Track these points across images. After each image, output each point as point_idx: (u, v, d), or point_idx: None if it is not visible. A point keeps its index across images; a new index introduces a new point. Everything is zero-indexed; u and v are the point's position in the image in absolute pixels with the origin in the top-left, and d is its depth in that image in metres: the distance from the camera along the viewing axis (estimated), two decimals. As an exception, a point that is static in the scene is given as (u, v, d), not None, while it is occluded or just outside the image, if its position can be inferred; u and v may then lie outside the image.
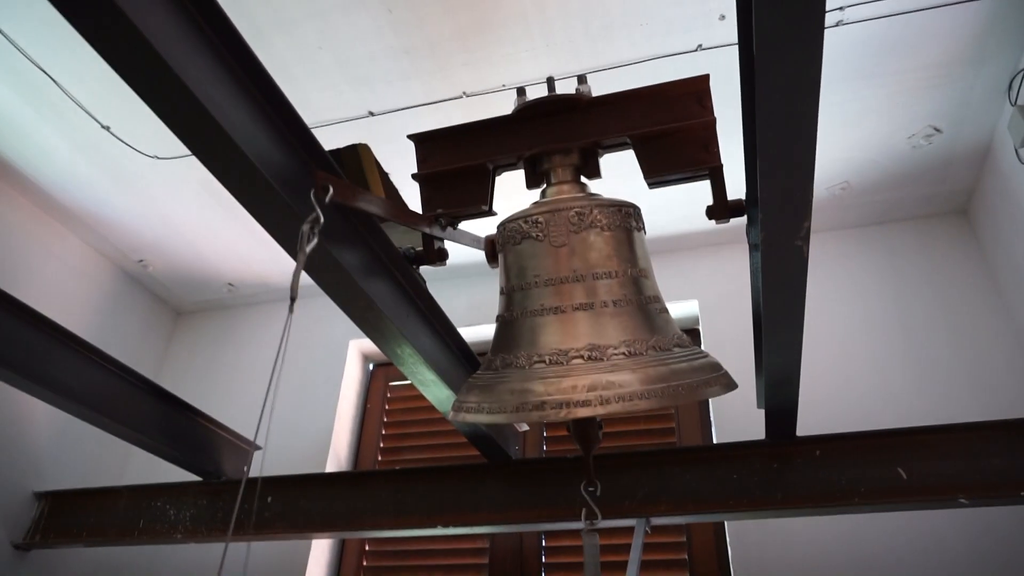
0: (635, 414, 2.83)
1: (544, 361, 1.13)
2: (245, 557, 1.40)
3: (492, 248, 1.37)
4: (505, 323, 1.26)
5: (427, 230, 1.39)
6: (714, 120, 1.30)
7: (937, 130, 2.52)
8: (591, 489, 1.30)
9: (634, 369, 1.08)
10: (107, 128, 2.60)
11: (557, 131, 1.36)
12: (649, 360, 1.10)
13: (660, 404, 1.06)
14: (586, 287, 1.18)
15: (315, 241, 0.93)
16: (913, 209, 2.92)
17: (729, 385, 1.15)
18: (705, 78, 1.33)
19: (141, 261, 3.47)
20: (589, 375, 1.07)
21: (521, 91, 1.41)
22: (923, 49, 2.22)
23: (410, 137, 1.48)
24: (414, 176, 1.47)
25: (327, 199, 1.01)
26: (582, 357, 1.11)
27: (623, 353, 1.11)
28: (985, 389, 2.55)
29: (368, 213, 1.26)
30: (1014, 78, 2.32)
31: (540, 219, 1.25)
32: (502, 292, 1.30)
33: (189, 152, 2.68)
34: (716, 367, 1.17)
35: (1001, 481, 1.77)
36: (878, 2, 2.09)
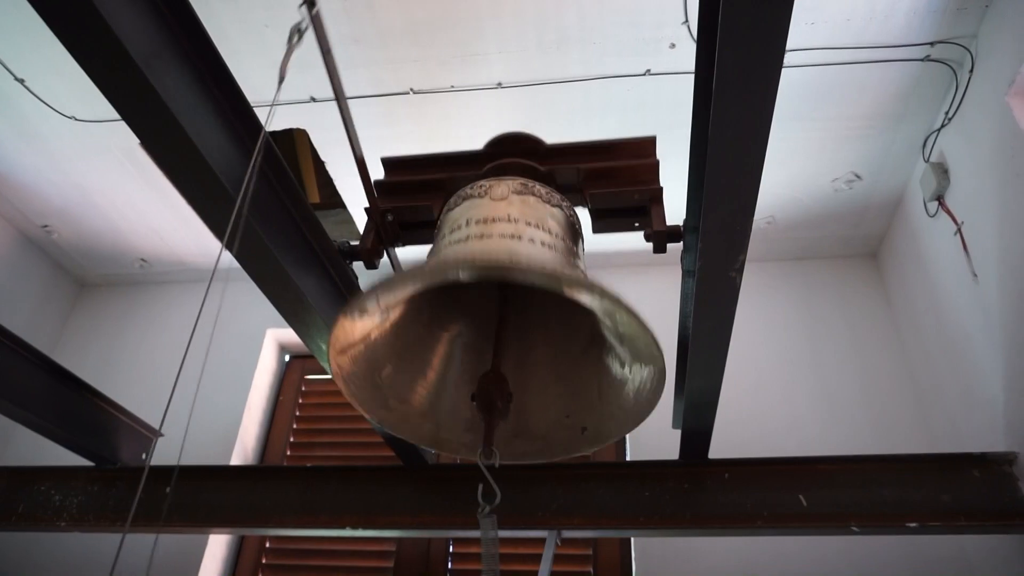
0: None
1: (459, 260, 1.06)
2: (151, 551, 1.31)
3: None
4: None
5: (373, 217, 1.38)
6: (657, 163, 1.41)
7: (858, 176, 2.67)
8: (489, 462, 1.09)
9: (554, 267, 1.07)
10: (22, 81, 2.42)
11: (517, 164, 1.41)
12: (572, 272, 1.08)
13: (579, 289, 1.00)
14: (516, 227, 1.13)
15: (301, 42, 0.93)
16: (830, 248, 3.09)
17: (657, 355, 1.06)
18: (652, 140, 1.43)
19: (46, 227, 3.24)
20: (509, 257, 1.05)
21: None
22: (853, 100, 2.36)
23: (381, 160, 1.52)
24: (376, 184, 1.45)
25: (313, 11, 1.00)
26: (501, 262, 1.04)
27: (544, 265, 1.06)
28: (882, 424, 2.71)
29: (317, 171, 1.22)
30: (928, 136, 2.49)
31: (484, 183, 1.26)
32: (429, 253, 1.27)
33: (111, 117, 2.53)
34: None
35: (890, 511, 1.88)
36: (814, 50, 2.20)
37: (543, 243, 1.13)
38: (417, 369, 1.33)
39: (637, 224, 1.39)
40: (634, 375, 1.17)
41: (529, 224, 1.15)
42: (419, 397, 1.33)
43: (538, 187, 1.26)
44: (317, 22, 1.10)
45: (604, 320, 1.16)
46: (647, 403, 1.17)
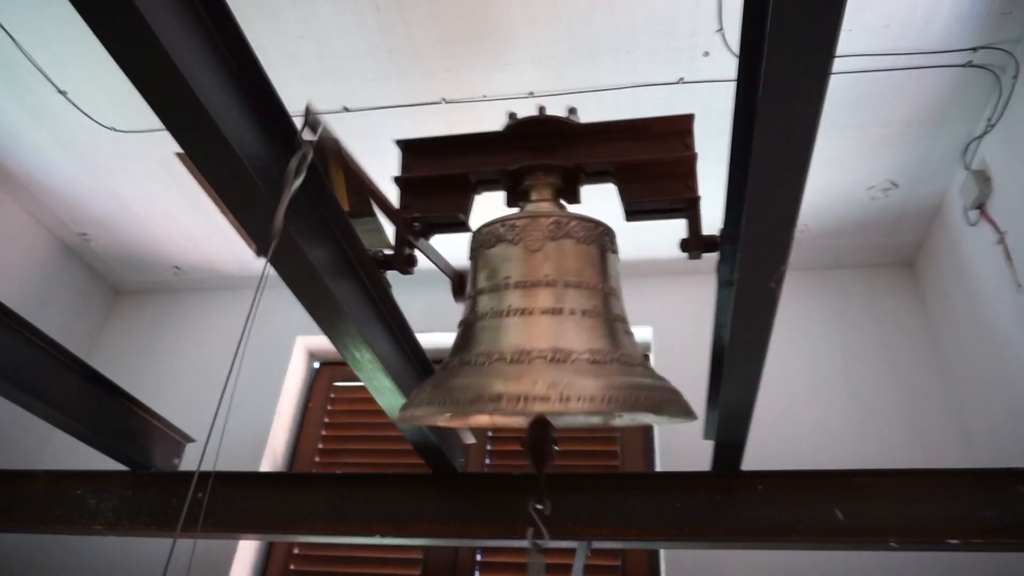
0: (582, 434, 2.84)
1: (504, 359, 1.09)
2: (190, 557, 1.33)
3: (460, 281, 1.35)
4: (468, 326, 1.23)
5: (401, 230, 1.37)
6: (695, 156, 1.33)
7: (895, 184, 2.62)
8: (539, 508, 1.22)
9: (597, 375, 1.05)
10: (64, 93, 2.48)
11: (542, 151, 1.36)
12: (612, 369, 1.08)
13: (620, 410, 1.04)
14: (556, 293, 1.16)
15: (302, 177, 0.92)
16: (864, 257, 3.03)
17: (688, 414, 1.14)
18: (689, 117, 1.36)
19: (84, 235, 3.31)
20: (550, 374, 1.04)
21: (512, 115, 1.41)
22: (890, 106, 2.31)
23: (397, 142, 1.45)
24: (396, 179, 1.44)
25: (317, 136, 1.00)
26: (544, 358, 1.07)
27: (587, 359, 1.08)
28: (917, 437, 2.64)
29: (348, 180, 1.23)
30: (970, 143, 2.43)
31: (517, 223, 1.24)
32: (468, 296, 1.28)
33: (149, 127, 2.58)
34: (677, 394, 1.16)
35: (930, 527, 1.83)
36: (852, 57, 2.16)
37: (584, 312, 1.15)
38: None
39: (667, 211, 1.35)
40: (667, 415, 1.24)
41: (568, 285, 1.17)
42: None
43: (572, 224, 1.23)
44: (327, 137, 1.11)
45: None
46: (678, 421, 1.22)
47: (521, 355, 1.08)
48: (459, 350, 1.20)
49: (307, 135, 1.08)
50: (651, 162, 1.35)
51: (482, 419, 1.41)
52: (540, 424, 1.23)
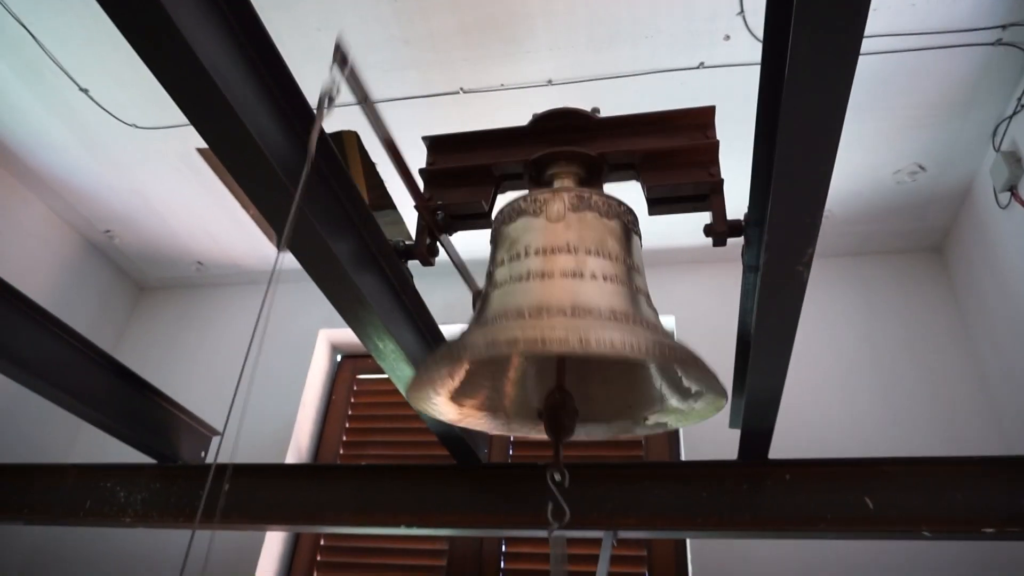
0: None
1: (523, 315, 1.05)
2: (207, 549, 1.34)
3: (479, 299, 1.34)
4: (485, 296, 1.20)
5: (424, 217, 1.37)
6: (717, 144, 1.32)
7: (922, 168, 2.57)
8: (559, 479, 1.13)
9: (619, 327, 1.01)
10: (86, 91, 2.50)
11: (564, 143, 1.37)
12: (636, 326, 1.04)
13: (645, 357, 1.00)
14: (577, 259, 1.12)
15: (333, 108, 0.93)
16: (890, 243, 2.98)
17: (719, 392, 1.09)
18: (711, 110, 1.36)
19: (108, 232, 3.35)
20: (571, 322, 1.00)
21: (536, 115, 1.42)
22: (916, 88, 2.26)
23: (424, 139, 1.46)
24: (420, 172, 1.44)
25: (345, 72, 1.00)
26: (564, 313, 1.02)
27: (608, 316, 1.04)
28: (947, 425, 2.60)
29: (367, 173, 1.23)
30: (999, 124, 2.37)
31: (539, 197, 1.22)
32: (488, 273, 1.26)
33: (170, 123, 2.59)
34: (707, 366, 1.08)
35: (964, 516, 1.79)
36: (877, 37, 2.12)
37: (605, 277, 1.12)
38: (484, 377, 1.36)
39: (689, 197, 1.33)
40: (695, 402, 1.21)
41: (589, 253, 1.14)
42: (486, 397, 1.36)
43: (595, 198, 1.21)
44: (352, 79, 1.11)
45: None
46: (709, 412, 1.19)
47: (539, 310, 1.04)
48: (476, 317, 1.18)
49: (336, 72, 1.10)
50: (674, 150, 1.35)
51: (496, 423, 1.37)
52: (559, 392, 1.20)
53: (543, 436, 1.23)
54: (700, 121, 1.36)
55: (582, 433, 1.33)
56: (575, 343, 0.95)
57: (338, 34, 1.14)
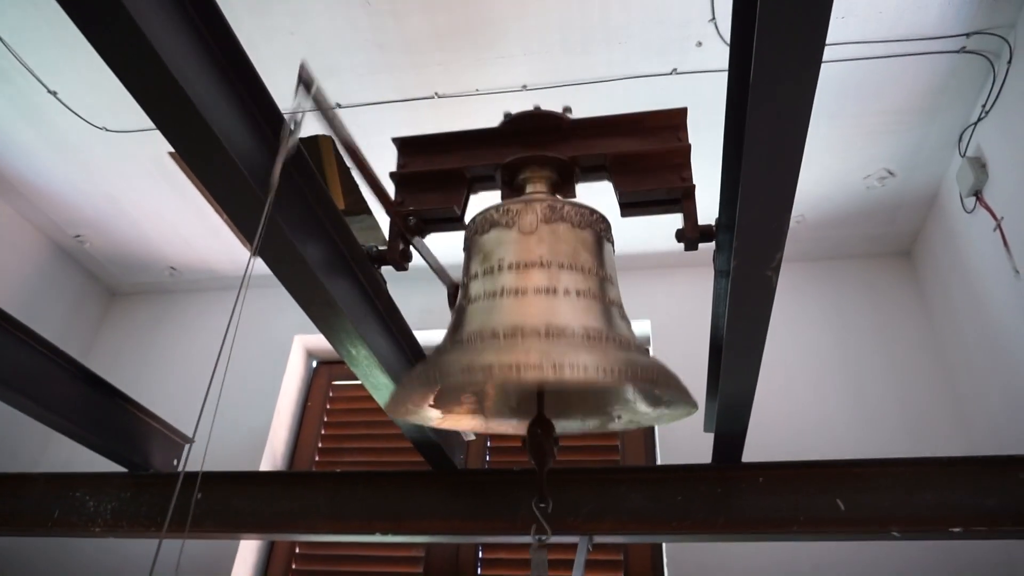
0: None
1: (497, 336, 1.06)
2: (178, 557, 1.31)
3: (456, 292, 1.34)
4: (460, 310, 1.21)
5: (396, 223, 1.36)
6: (689, 147, 1.33)
7: (891, 173, 2.61)
8: (542, 505, 1.23)
9: (592, 349, 1.03)
10: (54, 94, 2.46)
11: (536, 146, 1.37)
12: (608, 346, 1.06)
13: (616, 382, 1.02)
14: (550, 274, 1.14)
15: (297, 135, 0.93)
16: (861, 247, 3.02)
17: (689, 402, 1.12)
18: (683, 111, 1.37)
19: (78, 236, 3.30)
20: (544, 345, 1.02)
21: (508, 115, 1.41)
22: (885, 94, 2.30)
23: (393, 140, 1.45)
24: (391, 175, 1.43)
25: (311, 93, 1.00)
26: (539, 334, 1.04)
27: (582, 336, 1.05)
28: (916, 426, 2.64)
29: (342, 177, 1.22)
30: (964, 131, 2.42)
31: (511, 208, 1.23)
32: (462, 284, 1.27)
33: (141, 127, 2.56)
34: (676, 377, 1.13)
35: (932, 516, 1.82)
36: (846, 45, 2.15)
37: (578, 292, 1.13)
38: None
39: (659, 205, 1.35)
40: (666, 408, 1.23)
41: (563, 267, 1.15)
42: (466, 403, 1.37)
43: (567, 209, 1.22)
44: (319, 97, 1.11)
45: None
46: (680, 417, 1.21)
47: (514, 331, 1.06)
48: (452, 333, 1.18)
49: (301, 95, 1.09)
50: (645, 154, 1.35)
51: (475, 422, 1.39)
52: (540, 423, 1.22)
53: (521, 431, 1.28)
54: (672, 123, 1.37)
55: (556, 427, 1.34)
56: (548, 370, 0.97)
57: (302, 61, 1.14)
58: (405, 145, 1.48)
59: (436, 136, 1.46)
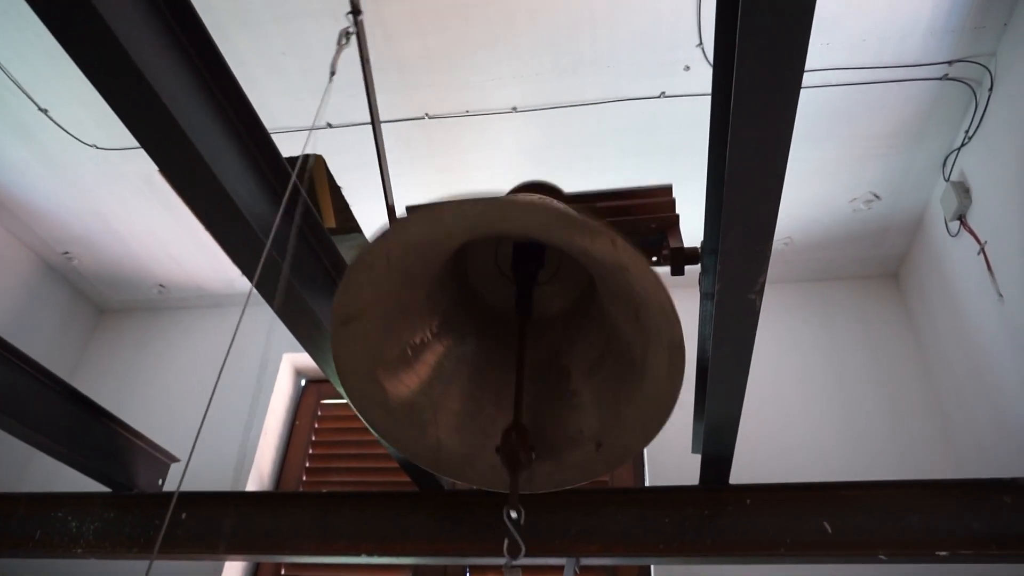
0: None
1: None
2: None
3: None
4: None
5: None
6: (674, 200, 1.38)
7: (877, 196, 2.64)
8: (514, 516, 1.13)
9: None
10: (45, 111, 2.47)
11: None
12: None
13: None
14: None
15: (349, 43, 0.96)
16: (849, 269, 3.05)
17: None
18: (668, 188, 1.40)
19: (66, 253, 3.28)
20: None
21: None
22: (871, 119, 2.34)
23: (408, 208, 1.48)
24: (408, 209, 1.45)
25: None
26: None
27: None
28: (904, 447, 2.64)
29: (333, 196, 1.22)
30: (949, 155, 2.46)
31: None
32: None
33: (131, 145, 2.55)
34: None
35: (919, 539, 1.82)
36: (831, 71, 2.19)
37: None
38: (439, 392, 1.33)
39: (656, 259, 1.35)
40: (651, 362, 1.12)
41: None
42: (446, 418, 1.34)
43: None
44: (360, 30, 1.13)
45: (618, 287, 1.11)
46: (665, 404, 1.14)
47: None
48: None
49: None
50: (634, 205, 1.39)
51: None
52: (516, 428, 1.20)
53: (496, 485, 1.27)
54: (659, 194, 1.39)
55: (538, 483, 1.33)
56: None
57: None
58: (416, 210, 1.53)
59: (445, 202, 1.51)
